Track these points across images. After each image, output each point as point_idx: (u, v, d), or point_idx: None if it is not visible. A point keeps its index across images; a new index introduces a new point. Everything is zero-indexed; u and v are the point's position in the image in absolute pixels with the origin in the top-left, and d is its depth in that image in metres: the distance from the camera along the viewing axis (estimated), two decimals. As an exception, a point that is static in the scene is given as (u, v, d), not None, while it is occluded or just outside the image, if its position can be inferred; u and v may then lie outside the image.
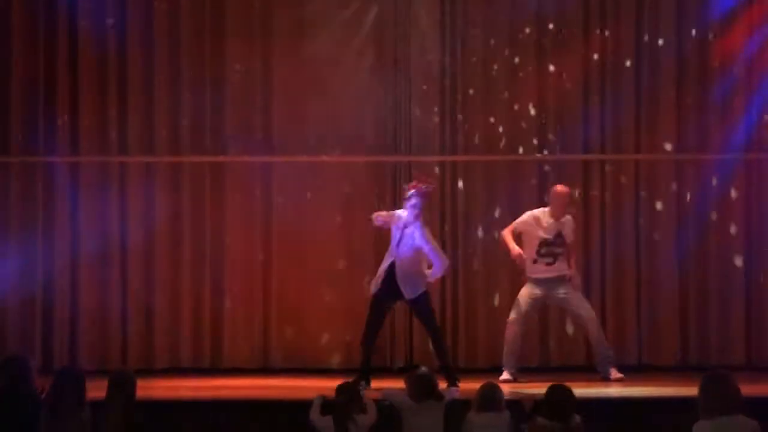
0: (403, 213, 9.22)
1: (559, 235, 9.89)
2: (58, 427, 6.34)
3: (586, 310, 9.88)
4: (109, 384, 6.61)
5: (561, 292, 9.86)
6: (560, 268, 9.87)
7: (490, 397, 6.91)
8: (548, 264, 9.84)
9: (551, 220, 9.90)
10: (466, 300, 10.83)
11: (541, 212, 9.97)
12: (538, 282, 9.86)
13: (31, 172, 10.69)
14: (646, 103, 10.84)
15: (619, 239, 10.83)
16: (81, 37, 10.72)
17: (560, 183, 10.19)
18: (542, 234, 9.87)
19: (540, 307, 10.17)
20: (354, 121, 10.81)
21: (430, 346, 9.68)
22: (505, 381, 9.46)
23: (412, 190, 9.16)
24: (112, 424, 6.44)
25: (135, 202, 10.73)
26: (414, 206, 9.12)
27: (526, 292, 9.88)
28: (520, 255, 9.81)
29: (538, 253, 9.85)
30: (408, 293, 9.16)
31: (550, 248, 9.86)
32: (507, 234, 9.96)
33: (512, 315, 9.89)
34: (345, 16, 10.84)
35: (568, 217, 10.01)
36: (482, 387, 7.03)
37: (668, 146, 10.88)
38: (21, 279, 10.55)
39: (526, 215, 9.97)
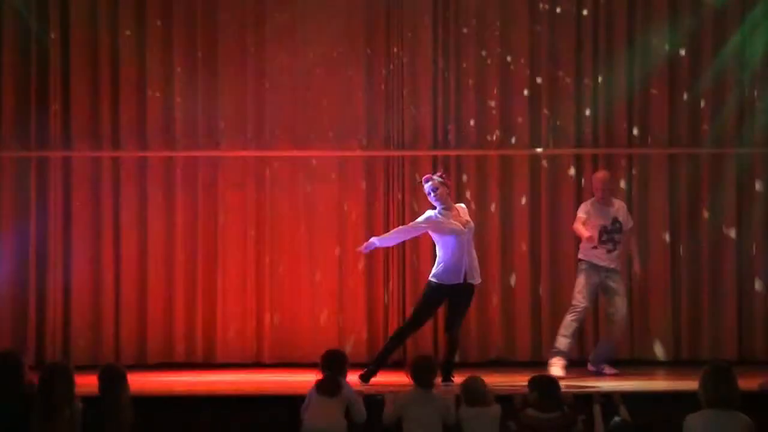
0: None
1: (615, 220, 9.90)
2: (49, 421, 6.33)
3: (623, 305, 9.89)
4: (102, 380, 6.59)
5: (613, 282, 9.85)
6: (618, 258, 9.91)
7: (476, 391, 6.87)
8: (609, 251, 9.84)
9: (604, 207, 9.91)
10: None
11: (590, 203, 9.97)
12: (596, 268, 9.83)
13: (23, 167, 10.66)
14: (638, 97, 10.85)
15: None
16: (73, 31, 10.68)
17: (599, 170, 10.28)
18: (601, 221, 9.86)
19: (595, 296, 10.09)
20: (346, 116, 10.80)
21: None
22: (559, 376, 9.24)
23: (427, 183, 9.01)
24: (111, 419, 6.42)
25: (128, 196, 10.71)
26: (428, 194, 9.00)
27: (586, 282, 9.84)
28: (591, 237, 9.74)
29: (599, 240, 9.83)
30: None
31: (610, 235, 9.87)
32: (578, 225, 9.86)
33: (581, 303, 9.81)
34: (337, 10, 10.81)
35: (620, 203, 10.06)
36: (467, 381, 6.98)
37: (661, 140, 10.86)
38: (14, 274, 10.53)
39: (582, 207, 9.99)
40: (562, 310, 10.44)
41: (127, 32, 10.72)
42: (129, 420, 6.49)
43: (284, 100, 10.79)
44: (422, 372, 7.02)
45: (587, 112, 10.84)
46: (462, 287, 8.93)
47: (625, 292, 9.98)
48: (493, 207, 10.85)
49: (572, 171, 10.85)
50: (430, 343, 10.59)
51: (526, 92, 10.89)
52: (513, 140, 10.90)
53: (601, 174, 10.08)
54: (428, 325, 9.88)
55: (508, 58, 10.89)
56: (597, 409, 6.82)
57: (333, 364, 7.23)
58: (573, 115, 10.84)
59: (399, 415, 6.95)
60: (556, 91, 10.86)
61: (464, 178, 10.84)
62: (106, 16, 10.71)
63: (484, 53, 10.89)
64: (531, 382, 6.69)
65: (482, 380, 6.97)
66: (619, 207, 10.00)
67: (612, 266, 9.86)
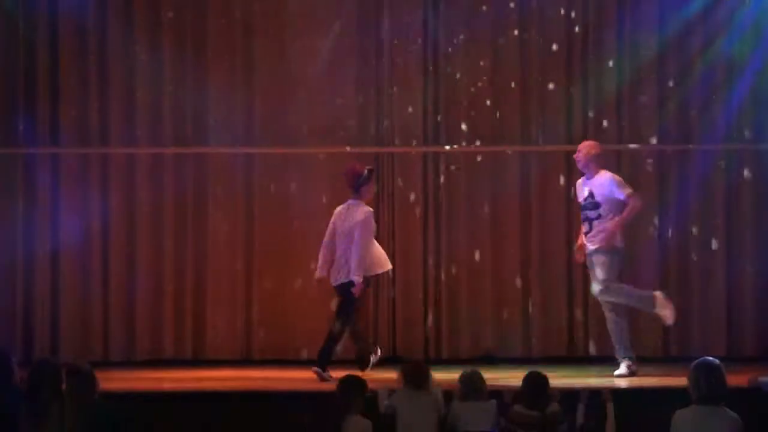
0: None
1: (589, 196, 9.30)
2: (37, 418, 6.26)
3: (596, 287, 9.35)
4: (66, 376, 6.41)
5: (592, 265, 9.30)
6: (595, 238, 9.24)
7: (473, 386, 6.87)
8: (586, 232, 9.30)
9: (582, 181, 9.43)
10: (448, 291, 10.80)
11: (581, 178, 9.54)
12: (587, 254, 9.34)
13: (11, 163, 10.64)
14: (627, 93, 10.83)
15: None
16: (61, 27, 10.66)
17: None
18: (578, 200, 9.44)
19: None
20: (336, 111, 10.77)
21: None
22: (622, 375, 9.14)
23: None
24: (68, 417, 6.26)
25: (116, 193, 10.69)
26: None
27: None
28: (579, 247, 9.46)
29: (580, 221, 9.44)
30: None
31: (583, 212, 9.34)
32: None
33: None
34: (326, 4, 10.79)
35: (603, 174, 9.33)
36: (464, 376, 6.96)
37: (651, 137, 10.84)
38: (1, 271, 10.49)
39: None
40: (553, 307, 10.54)
41: (115, 28, 10.66)
42: (101, 419, 6.30)
43: (273, 96, 10.75)
44: (414, 372, 6.99)
45: (578, 109, 10.80)
46: None
47: (596, 275, 9.38)
48: (482, 203, 10.81)
49: (563, 168, 10.77)
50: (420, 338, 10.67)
51: (515, 88, 10.84)
52: (503, 137, 10.84)
53: (584, 143, 9.51)
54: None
55: (499, 55, 10.85)
56: (580, 408, 6.79)
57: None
58: (564, 112, 10.79)
59: (392, 413, 6.90)
60: (546, 89, 10.82)
61: (455, 174, 10.81)
62: (94, 12, 10.65)
63: (476, 46, 10.83)
64: (524, 378, 6.74)
65: (480, 375, 6.97)
66: (597, 178, 9.29)
67: (592, 247, 9.24)
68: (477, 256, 10.78)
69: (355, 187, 9.26)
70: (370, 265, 9.25)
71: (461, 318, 10.73)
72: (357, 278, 9.11)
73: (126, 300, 10.67)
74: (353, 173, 9.30)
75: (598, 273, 9.24)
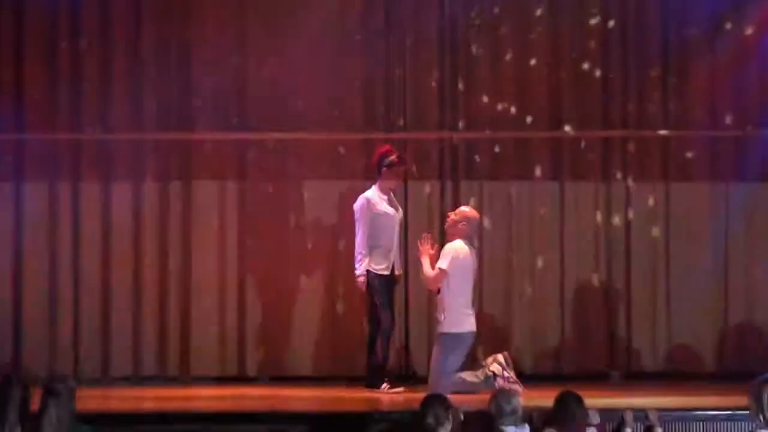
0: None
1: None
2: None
3: None
4: (42, 394, 5.98)
5: None
6: None
7: (510, 407, 6.35)
8: None
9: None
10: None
11: None
12: None
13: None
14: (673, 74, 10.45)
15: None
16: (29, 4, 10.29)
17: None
18: None
19: None
20: (341, 92, 10.34)
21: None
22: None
23: None
24: None
25: (90, 186, 10.27)
26: None
27: None
28: None
29: None
30: None
31: None
32: None
33: None
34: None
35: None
36: (501, 394, 6.52)
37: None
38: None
39: None
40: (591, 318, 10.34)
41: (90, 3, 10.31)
42: None
43: (269, 74, 10.27)
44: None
45: (616, 93, 10.37)
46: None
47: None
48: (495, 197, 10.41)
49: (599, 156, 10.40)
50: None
51: (543, 68, 10.38)
52: (528, 118, 10.43)
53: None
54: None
55: (526, 31, 10.38)
56: None
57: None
58: (599, 96, 10.39)
59: None
60: (579, 70, 10.39)
61: (473, 162, 10.39)
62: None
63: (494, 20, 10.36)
64: (556, 399, 6.35)
65: (518, 397, 6.54)
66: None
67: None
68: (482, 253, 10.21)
69: (378, 168, 9.25)
70: (373, 259, 9.10)
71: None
72: (356, 271, 9.12)
73: (100, 306, 10.26)
74: (379, 153, 9.30)
75: None
